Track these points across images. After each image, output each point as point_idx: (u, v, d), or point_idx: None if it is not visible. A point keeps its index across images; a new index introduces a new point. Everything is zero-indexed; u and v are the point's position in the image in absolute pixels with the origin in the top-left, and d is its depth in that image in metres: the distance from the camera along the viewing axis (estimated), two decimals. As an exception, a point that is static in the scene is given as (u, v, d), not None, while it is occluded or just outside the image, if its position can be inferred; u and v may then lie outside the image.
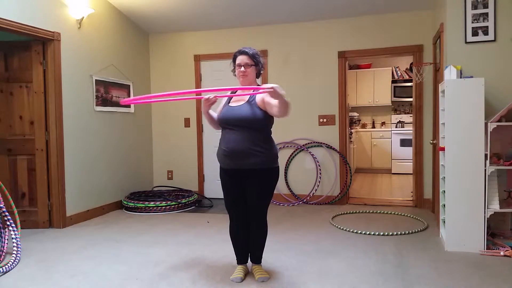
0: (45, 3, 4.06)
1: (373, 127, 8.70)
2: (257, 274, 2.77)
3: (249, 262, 2.90)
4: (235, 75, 2.76)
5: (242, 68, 2.65)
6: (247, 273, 2.86)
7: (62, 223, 4.24)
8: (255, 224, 2.76)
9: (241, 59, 2.67)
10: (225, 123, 2.66)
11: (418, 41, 4.91)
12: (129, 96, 5.36)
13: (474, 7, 3.57)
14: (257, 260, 2.84)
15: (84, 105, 4.59)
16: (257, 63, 2.72)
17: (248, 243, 2.83)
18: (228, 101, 2.76)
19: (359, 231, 3.87)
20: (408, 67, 8.11)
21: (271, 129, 2.77)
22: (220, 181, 2.84)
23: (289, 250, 3.38)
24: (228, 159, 2.65)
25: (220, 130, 2.78)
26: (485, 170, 3.22)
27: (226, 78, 5.65)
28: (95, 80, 4.73)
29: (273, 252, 3.31)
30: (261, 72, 2.79)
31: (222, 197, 5.71)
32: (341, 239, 3.70)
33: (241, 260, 2.86)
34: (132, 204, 4.92)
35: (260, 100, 2.63)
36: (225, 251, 3.33)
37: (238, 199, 2.74)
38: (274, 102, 2.46)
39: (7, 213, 3.37)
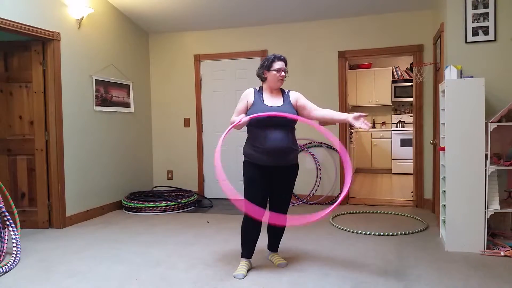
0: (44, 3, 4.05)
1: (373, 127, 8.68)
2: (277, 261, 3.04)
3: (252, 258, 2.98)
4: (261, 76, 2.91)
5: (283, 73, 2.86)
6: (250, 268, 2.93)
7: (61, 223, 4.24)
8: (281, 216, 2.96)
9: (281, 64, 2.86)
10: (266, 122, 2.75)
11: (418, 41, 4.90)
12: (128, 96, 5.36)
13: (475, 7, 3.56)
14: (276, 249, 3.13)
15: (84, 105, 4.58)
16: None
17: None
18: (261, 101, 2.85)
19: (359, 231, 3.87)
20: (408, 67, 8.10)
21: None
22: (244, 179, 2.90)
23: (289, 250, 3.37)
24: (269, 157, 2.77)
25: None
26: (486, 170, 3.21)
27: (226, 78, 5.66)
28: (95, 80, 4.72)
29: (273, 252, 3.31)
30: None
31: (222, 197, 5.69)
32: (341, 239, 3.69)
33: (249, 255, 2.95)
34: (132, 204, 4.91)
35: (295, 101, 2.91)
36: (225, 251, 3.33)
37: (267, 195, 2.91)
38: (311, 107, 2.89)
39: (6, 213, 3.36)
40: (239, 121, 2.74)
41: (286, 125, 2.79)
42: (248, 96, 2.89)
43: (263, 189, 2.85)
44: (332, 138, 2.70)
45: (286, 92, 2.94)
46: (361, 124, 2.68)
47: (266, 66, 2.85)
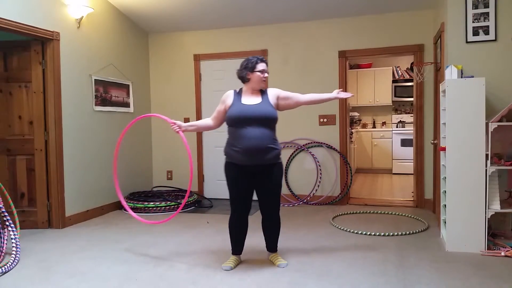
0: (44, 2, 4.04)
1: (374, 127, 8.68)
2: (277, 261, 3.03)
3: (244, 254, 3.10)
4: (244, 77, 2.94)
5: (266, 74, 2.95)
6: (239, 263, 3.06)
7: (61, 224, 4.23)
8: (272, 216, 3.03)
9: (264, 66, 2.94)
10: (243, 120, 2.81)
11: (418, 40, 4.90)
12: (128, 95, 5.35)
13: (475, 6, 3.55)
14: (275, 249, 3.13)
15: (83, 105, 4.57)
16: None
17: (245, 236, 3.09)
18: (239, 100, 2.91)
19: (360, 232, 3.86)
20: (409, 67, 8.09)
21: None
22: (226, 179, 2.99)
23: (289, 251, 3.36)
24: (247, 156, 2.80)
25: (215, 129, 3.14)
26: (486, 170, 3.21)
27: (226, 78, 5.65)
28: (95, 79, 4.72)
29: (273, 253, 3.30)
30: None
31: (222, 197, 5.71)
32: (341, 239, 3.69)
33: (237, 251, 3.08)
34: (132, 205, 4.91)
35: (274, 98, 2.96)
36: (225, 251, 3.32)
37: (251, 195, 2.96)
38: (295, 95, 3.04)
39: (6, 214, 3.36)
40: (173, 123, 3.04)
41: (264, 123, 2.82)
42: (226, 99, 2.97)
43: (246, 190, 2.92)
44: (186, 145, 3.12)
45: (265, 91, 3.00)
46: (343, 95, 3.02)
47: (250, 67, 2.90)
